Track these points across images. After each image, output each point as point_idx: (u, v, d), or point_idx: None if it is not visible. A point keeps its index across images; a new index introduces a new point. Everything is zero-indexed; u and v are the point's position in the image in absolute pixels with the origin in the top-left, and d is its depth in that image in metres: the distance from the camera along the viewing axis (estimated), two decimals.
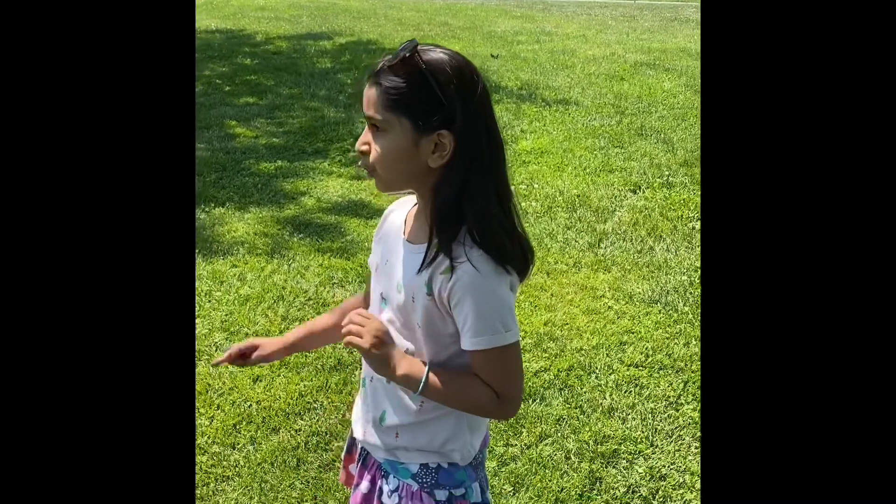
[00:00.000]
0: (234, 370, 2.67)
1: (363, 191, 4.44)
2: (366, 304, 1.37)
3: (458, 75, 1.09)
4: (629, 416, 2.46)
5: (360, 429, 1.32)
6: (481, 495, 1.29)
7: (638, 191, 4.40)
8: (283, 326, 2.99)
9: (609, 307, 3.13)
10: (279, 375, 2.66)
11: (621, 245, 3.70)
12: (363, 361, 1.26)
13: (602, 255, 3.59)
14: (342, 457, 1.47)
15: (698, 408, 2.49)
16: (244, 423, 2.42)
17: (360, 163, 1.15)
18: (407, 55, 1.07)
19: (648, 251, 3.65)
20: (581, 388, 2.60)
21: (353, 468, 1.41)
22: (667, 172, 4.70)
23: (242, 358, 1.42)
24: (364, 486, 1.33)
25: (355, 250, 3.64)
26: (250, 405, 2.50)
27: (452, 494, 1.26)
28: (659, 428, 2.41)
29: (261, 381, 2.63)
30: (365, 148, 1.13)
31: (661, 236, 3.81)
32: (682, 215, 4.06)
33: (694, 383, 2.62)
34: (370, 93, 1.10)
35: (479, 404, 1.19)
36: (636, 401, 2.54)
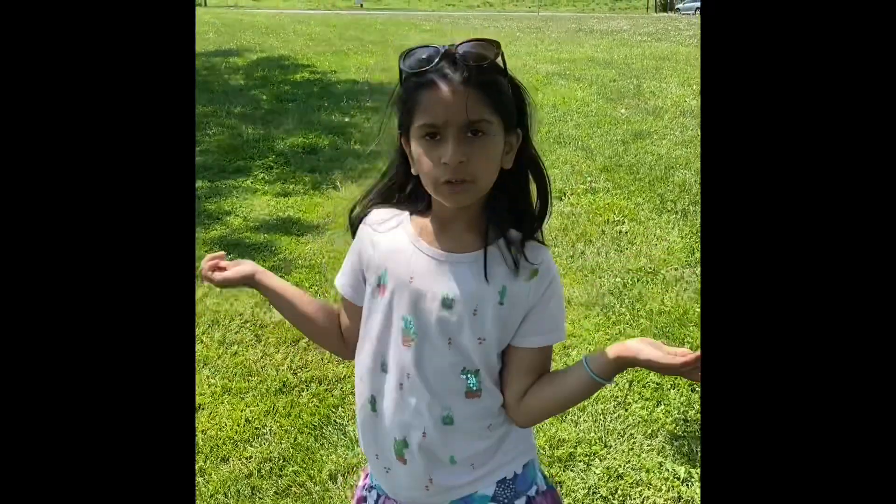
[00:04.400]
0: None
1: (290, 208, 4.35)
2: (344, 330, 1.25)
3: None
4: (581, 419, 2.50)
5: (415, 494, 1.19)
6: (544, 480, 1.24)
7: (564, 197, 4.50)
8: (220, 351, 2.89)
9: None
10: (222, 402, 2.56)
11: (554, 251, 3.76)
12: (378, 435, 1.17)
13: None
14: None
15: (646, 406, 2.55)
16: None
17: (450, 180, 1.02)
18: (496, 52, 1.02)
19: (580, 256, 3.73)
20: None
21: None
22: (589, 178, 4.83)
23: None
24: None
25: (289, 268, 3.56)
26: (195, 435, 2.40)
27: (529, 497, 1.20)
28: (611, 428, 2.46)
29: (203, 409, 2.53)
30: (465, 160, 1.00)
31: (590, 240, 3.90)
32: (608, 219, 4.18)
33: (639, 382, 2.68)
34: (473, 95, 0.99)
35: None
36: (586, 403, 2.58)
